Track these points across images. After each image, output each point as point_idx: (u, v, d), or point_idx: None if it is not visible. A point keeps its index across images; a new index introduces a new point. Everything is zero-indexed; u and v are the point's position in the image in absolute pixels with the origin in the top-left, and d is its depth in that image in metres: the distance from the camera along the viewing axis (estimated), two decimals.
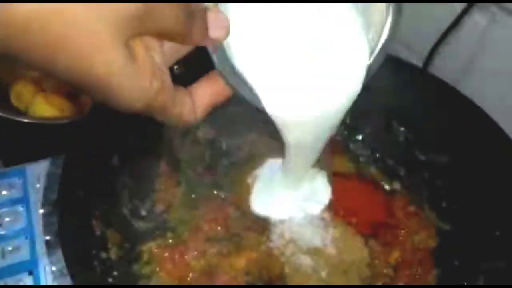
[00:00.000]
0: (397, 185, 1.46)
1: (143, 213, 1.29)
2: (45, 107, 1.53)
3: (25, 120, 1.40)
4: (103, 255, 1.09)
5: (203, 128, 1.47)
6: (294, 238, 1.27)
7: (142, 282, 1.17)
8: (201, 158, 1.45)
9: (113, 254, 1.12)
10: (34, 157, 1.41)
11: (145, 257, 1.21)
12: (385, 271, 1.27)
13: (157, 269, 1.20)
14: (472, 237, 1.26)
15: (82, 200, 1.06)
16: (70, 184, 1.03)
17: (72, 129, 1.14)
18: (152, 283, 1.18)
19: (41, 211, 1.13)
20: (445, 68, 1.52)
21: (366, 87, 1.47)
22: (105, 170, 1.17)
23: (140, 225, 1.26)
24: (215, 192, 1.38)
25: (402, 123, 1.47)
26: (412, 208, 1.40)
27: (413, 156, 1.46)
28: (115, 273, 1.11)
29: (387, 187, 1.46)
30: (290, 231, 1.28)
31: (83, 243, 1.01)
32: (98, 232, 1.09)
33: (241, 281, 1.22)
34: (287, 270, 1.24)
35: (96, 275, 1.02)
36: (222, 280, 1.21)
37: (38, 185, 1.35)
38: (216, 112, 1.49)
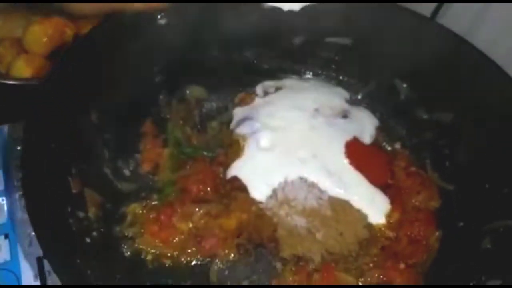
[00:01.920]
0: (398, 146, 1.38)
1: (127, 173, 1.22)
2: (25, 69, 1.46)
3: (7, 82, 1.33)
4: (81, 214, 1.01)
5: (191, 86, 1.39)
6: (288, 198, 1.19)
7: (124, 244, 1.09)
8: (189, 117, 1.36)
9: (92, 214, 1.05)
10: (13, 119, 1.35)
11: (129, 218, 1.14)
12: (384, 232, 1.20)
13: (142, 231, 1.13)
14: (478, 196, 1.18)
15: (55, 156, 0.98)
16: (40, 140, 0.95)
17: (47, 86, 1.05)
18: (136, 245, 1.11)
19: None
20: (455, 17, 1.40)
21: (366, 39, 1.41)
22: (82, 127, 1.09)
23: (123, 185, 1.18)
24: (204, 153, 1.30)
25: (405, 80, 1.37)
26: (413, 169, 1.31)
27: (415, 115, 1.37)
28: (94, 233, 1.03)
29: (388, 147, 1.38)
30: (283, 191, 1.20)
31: (56, 200, 0.94)
32: (74, 190, 1.01)
33: (231, 243, 1.15)
34: (280, 232, 1.16)
35: (71, 233, 0.95)
36: (211, 242, 1.14)
37: (19, 148, 1.29)
38: (205, 70, 1.44)
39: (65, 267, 0.79)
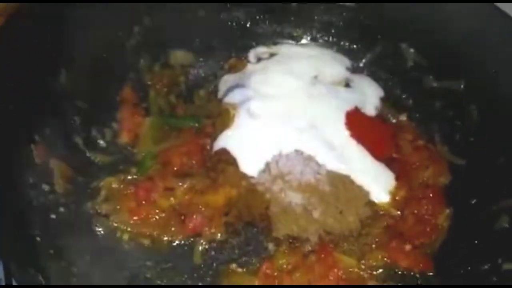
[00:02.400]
0: (404, 117, 1.25)
1: (102, 144, 1.09)
2: None
3: None
4: (45, 187, 0.89)
5: (176, 51, 1.25)
6: (282, 172, 1.07)
7: (97, 222, 0.97)
8: (174, 85, 1.23)
9: (60, 187, 0.92)
10: None
11: (103, 193, 1.01)
12: (389, 210, 1.08)
13: (117, 208, 1.00)
14: (491, 171, 1.05)
15: (14, 120, 0.85)
16: None
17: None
18: (110, 223, 0.99)
19: None
20: None
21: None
22: (49, 89, 0.96)
23: (98, 157, 1.05)
24: (190, 123, 1.17)
25: (412, 44, 1.24)
26: (421, 142, 1.19)
27: (424, 84, 1.24)
28: (61, 209, 0.91)
29: (393, 119, 1.25)
30: (277, 164, 1.08)
31: (14, 170, 0.81)
32: (38, 160, 0.89)
33: (218, 222, 1.03)
34: (273, 209, 1.04)
35: (33, 208, 0.83)
36: (196, 221, 1.02)
37: None
38: (192, 34, 1.31)
39: (15, 244, 0.67)
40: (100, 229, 0.97)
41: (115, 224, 0.99)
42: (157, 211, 1.02)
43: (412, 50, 1.25)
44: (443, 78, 1.20)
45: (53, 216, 0.88)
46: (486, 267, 0.93)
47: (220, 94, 1.23)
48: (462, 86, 1.17)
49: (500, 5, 1.08)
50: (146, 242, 0.99)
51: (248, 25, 1.32)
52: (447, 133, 1.19)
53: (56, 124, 0.96)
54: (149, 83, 1.21)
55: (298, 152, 1.10)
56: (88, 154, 1.04)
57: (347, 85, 1.26)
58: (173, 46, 1.25)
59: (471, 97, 1.14)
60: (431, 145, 1.19)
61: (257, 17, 1.32)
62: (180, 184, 1.04)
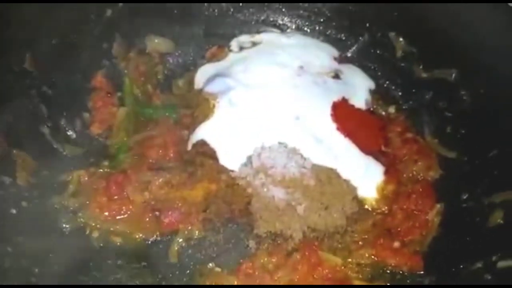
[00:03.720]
0: (392, 109, 1.20)
1: (72, 135, 1.01)
2: None
3: None
4: (6, 179, 0.82)
5: (153, 36, 1.18)
6: (264, 165, 1.01)
7: (64, 218, 0.90)
8: (151, 74, 1.16)
9: (22, 180, 0.85)
10: None
11: (71, 188, 0.94)
12: (376, 206, 1.03)
13: (87, 203, 0.93)
14: (483, 165, 1.00)
15: None
16: None
17: None
18: (79, 220, 0.92)
19: None
20: None
21: None
22: (12, 73, 0.88)
23: (66, 149, 0.98)
24: (167, 114, 1.10)
25: (401, 32, 1.18)
26: (410, 135, 1.13)
27: (413, 74, 1.18)
28: (23, 203, 0.84)
29: (381, 111, 1.20)
30: (259, 157, 1.02)
31: None
32: None
33: (196, 218, 0.96)
34: (254, 205, 0.97)
35: None
36: (172, 217, 0.95)
37: None
38: (171, 19, 1.23)
39: None
40: (67, 226, 0.91)
41: (84, 221, 0.92)
42: (130, 206, 0.96)
43: (401, 39, 1.20)
44: (434, 67, 1.15)
45: (13, 211, 0.81)
46: (479, 265, 0.88)
47: (196, 84, 1.16)
48: (453, 76, 1.11)
49: None
50: (117, 240, 0.93)
51: (230, 12, 1.26)
52: (437, 125, 1.14)
53: (20, 111, 0.89)
54: (125, 71, 1.14)
55: (281, 145, 1.04)
56: (55, 145, 0.97)
57: (337, 76, 1.20)
58: (149, 31, 1.17)
59: (463, 86, 1.09)
60: (420, 138, 1.14)
61: (240, 4, 1.26)
62: (156, 178, 0.98)
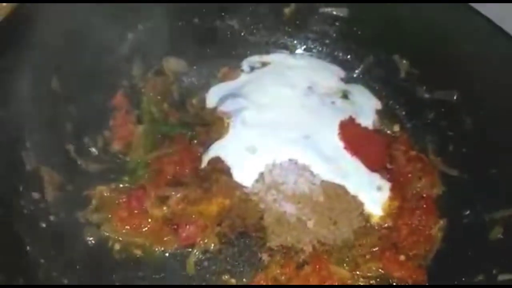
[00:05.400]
0: (397, 128, 1.25)
1: (94, 152, 1.07)
2: None
3: None
4: (35, 195, 0.87)
5: (169, 58, 1.24)
6: (276, 182, 1.06)
7: (88, 232, 0.95)
8: (167, 93, 1.22)
9: (50, 196, 0.90)
10: None
11: (94, 202, 0.99)
12: (382, 221, 1.08)
13: (109, 217, 0.99)
14: (484, 182, 1.06)
15: (5, 126, 0.83)
16: None
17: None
18: (102, 233, 0.96)
19: None
20: None
21: (363, 8, 1.28)
22: (41, 94, 0.94)
23: (89, 165, 1.03)
24: (183, 131, 1.16)
25: (405, 55, 1.25)
26: (414, 153, 1.19)
27: (416, 94, 1.24)
28: (51, 218, 0.89)
29: (387, 130, 1.25)
30: (271, 174, 1.07)
31: (4, 177, 0.79)
32: (28, 167, 0.87)
33: (212, 232, 1.01)
34: (267, 219, 1.03)
35: (23, 217, 0.80)
36: (189, 231, 1.00)
37: None
38: (186, 42, 1.30)
39: (4, 253, 0.65)
40: (91, 239, 0.95)
41: (106, 234, 0.97)
42: (149, 220, 1.01)
43: (404, 61, 1.26)
44: (436, 89, 1.21)
45: (43, 225, 0.86)
46: (480, 278, 0.92)
47: (208, 103, 1.22)
48: (455, 97, 1.17)
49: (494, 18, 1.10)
50: (138, 252, 0.97)
51: (242, 34, 1.32)
52: (440, 143, 1.19)
53: (47, 130, 0.94)
54: (142, 90, 1.20)
55: (292, 161, 1.09)
56: (79, 162, 1.02)
57: (345, 96, 1.26)
58: (166, 53, 1.24)
59: (464, 107, 1.15)
60: (424, 155, 1.19)
61: (251, 26, 1.32)
62: (173, 193, 1.03)
